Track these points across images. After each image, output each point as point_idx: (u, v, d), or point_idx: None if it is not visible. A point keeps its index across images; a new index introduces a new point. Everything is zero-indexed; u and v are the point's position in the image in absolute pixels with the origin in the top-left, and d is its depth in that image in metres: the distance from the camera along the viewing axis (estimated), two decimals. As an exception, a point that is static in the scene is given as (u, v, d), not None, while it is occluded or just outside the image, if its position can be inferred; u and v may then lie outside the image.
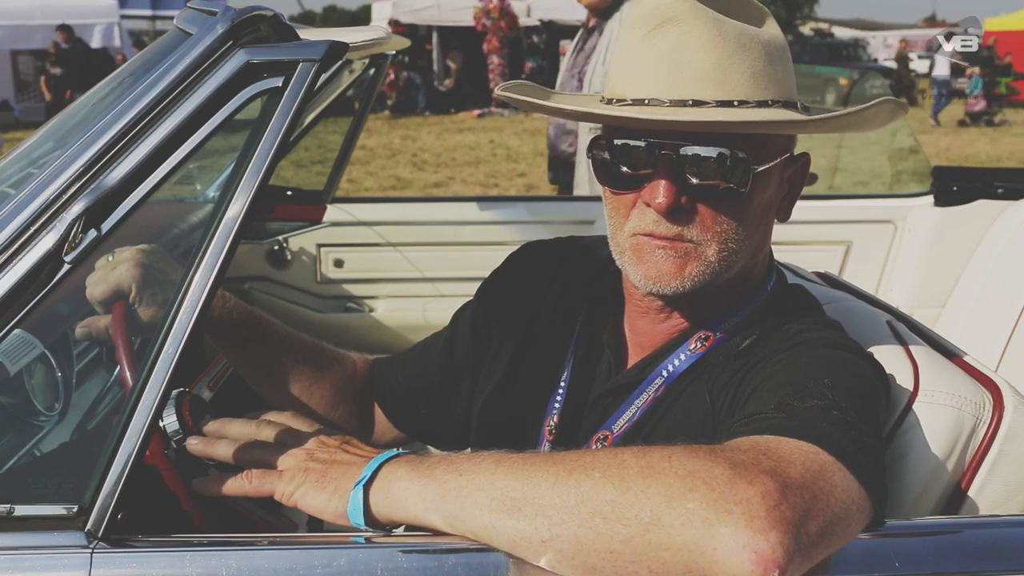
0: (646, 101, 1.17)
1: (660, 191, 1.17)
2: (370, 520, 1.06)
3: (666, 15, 1.17)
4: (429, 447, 1.73)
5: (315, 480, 1.11)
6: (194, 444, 1.22)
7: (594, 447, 1.30)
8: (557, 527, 0.95)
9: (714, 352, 1.28)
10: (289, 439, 1.21)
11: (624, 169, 1.21)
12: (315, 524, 1.35)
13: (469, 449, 1.48)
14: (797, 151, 1.34)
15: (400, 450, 1.13)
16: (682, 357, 1.29)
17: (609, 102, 1.22)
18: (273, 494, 1.13)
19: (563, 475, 0.97)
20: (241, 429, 1.24)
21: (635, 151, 1.20)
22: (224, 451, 1.20)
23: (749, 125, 1.15)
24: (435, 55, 21.06)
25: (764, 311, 1.31)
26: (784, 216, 1.32)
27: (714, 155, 1.16)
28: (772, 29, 1.25)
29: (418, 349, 1.62)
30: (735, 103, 1.16)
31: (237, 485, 1.15)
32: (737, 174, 1.18)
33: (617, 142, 1.21)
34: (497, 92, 1.35)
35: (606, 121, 1.25)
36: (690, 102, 1.15)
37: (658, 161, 1.18)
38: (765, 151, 1.21)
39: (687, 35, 1.16)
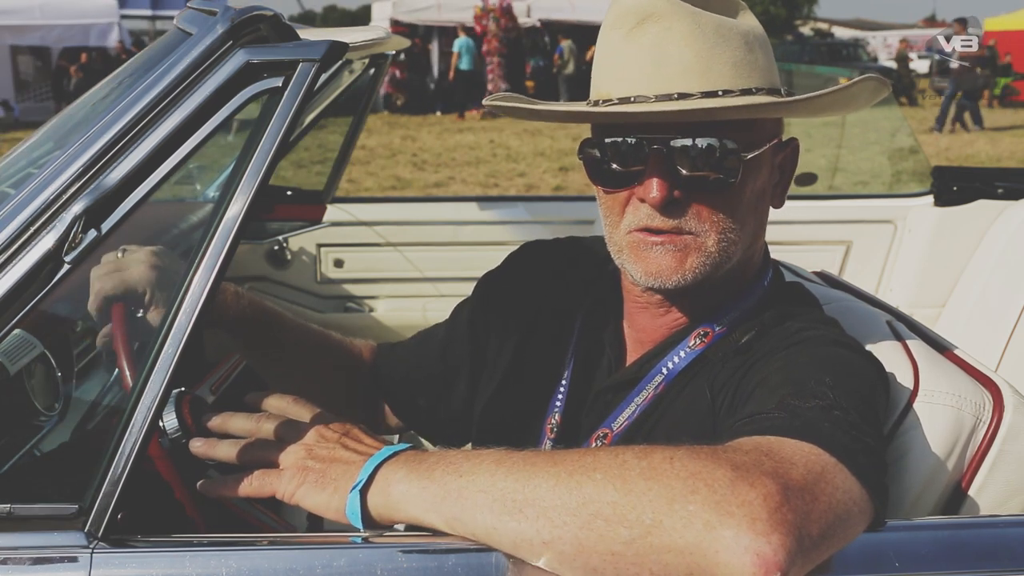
0: (632, 99, 1.18)
1: (653, 186, 1.18)
2: (368, 522, 1.06)
3: (645, 12, 1.18)
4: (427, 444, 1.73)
5: (314, 480, 1.11)
6: (197, 446, 1.22)
7: (594, 444, 1.30)
8: (558, 529, 0.95)
9: (713, 348, 1.28)
10: (289, 434, 1.20)
11: (615, 167, 1.22)
12: (315, 525, 1.35)
13: (469, 445, 1.48)
14: (797, 149, 1.34)
15: (398, 444, 1.12)
16: (682, 354, 1.29)
17: (595, 103, 1.23)
18: (275, 494, 1.13)
19: (564, 476, 0.97)
20: (243, 424, 1.24)
21: (626, 148, 1.20)
22: (226, 452, 1.20)
23: (733, 110, 1.16)
24: (435, 55, 21.02)
25: (762, 306, 1.31)
26: (778, 203, 1.33)
27: (703, 146, 1.17)
28: (748, 20, 1.26)
29: (418, 339, 1.63)
30: (719, 93, 1.17)
31: (239, 487, 1.15)
32: (728, 163, 1.18)
33: (607, 140, 1.22)
34: (485, 102, 1.36)
35: (596, 119, 1.25)
36: (675, 95, 1.16)
37: (649, 156, 1.19)
38: (753, 138, 1.22)
39: (668, 31, 1.17)
